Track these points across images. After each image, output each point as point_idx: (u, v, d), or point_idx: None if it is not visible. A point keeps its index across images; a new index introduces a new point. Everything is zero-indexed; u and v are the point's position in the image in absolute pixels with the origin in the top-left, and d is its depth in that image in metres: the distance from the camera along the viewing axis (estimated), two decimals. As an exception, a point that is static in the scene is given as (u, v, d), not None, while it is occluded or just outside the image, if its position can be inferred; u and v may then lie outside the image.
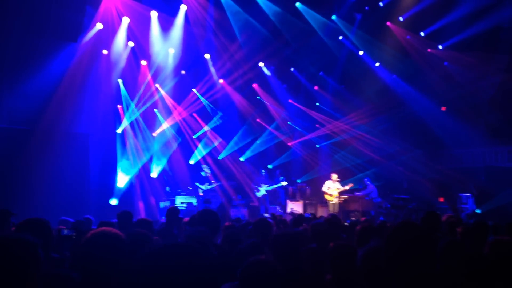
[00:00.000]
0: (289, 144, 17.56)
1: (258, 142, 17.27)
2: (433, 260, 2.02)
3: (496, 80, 13.89)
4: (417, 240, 1.99)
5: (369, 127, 16.36)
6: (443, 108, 15.69)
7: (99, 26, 12.87)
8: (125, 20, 13.39)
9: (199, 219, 4.25)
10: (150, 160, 15.13)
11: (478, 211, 11.36)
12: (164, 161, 15.24)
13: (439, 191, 14.53)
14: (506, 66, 13.53)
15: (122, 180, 13.91)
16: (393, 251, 2.00)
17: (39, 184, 10.84)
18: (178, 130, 16.08)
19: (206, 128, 16.42)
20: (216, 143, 16.37)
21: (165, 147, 15.52)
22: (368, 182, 14.49)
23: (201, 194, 13.89)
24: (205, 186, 13.97)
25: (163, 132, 15.71)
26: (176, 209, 6.09)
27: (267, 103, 17.22)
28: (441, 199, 14.13)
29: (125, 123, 14.74)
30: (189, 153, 16.18)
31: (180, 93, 15.85)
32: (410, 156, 15.93)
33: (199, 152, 16.07)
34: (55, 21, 11.36)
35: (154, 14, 13.60)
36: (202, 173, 14.18)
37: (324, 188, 13.95)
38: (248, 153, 16.93)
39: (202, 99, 16.16)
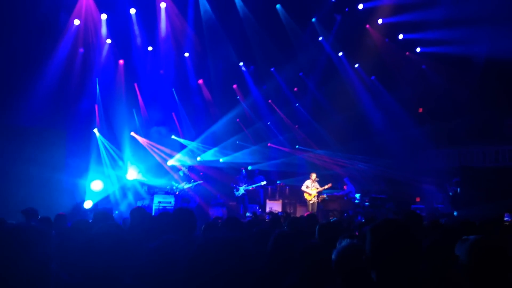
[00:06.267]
0: (269, 144, 17.54)
1: (237, 141, 17.16)
2: (418, 259, 1.95)
3: (473, 84, 14.07)
4: (400, 237, 1.88)
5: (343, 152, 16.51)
6: (420, 110, 15.92)
7: (76, 22, 12.67)
8: (104, 17, 13.18)
9: (175, 218, 4.18)
10: (126, 161, 14.86)
11: (455, 213, 11.47)
12: (140, 165, 14.96)
13: (416, 191, 14.71)
14: (479, 77, 13.79)
15: (96, 183, 13.61)
16: (376, 249, 1.90)
17: (12, 180, 10.74)
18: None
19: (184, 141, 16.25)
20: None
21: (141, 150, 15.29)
22: (348, 182, 14.60)
23: (177, 193, 13.70)
24: (183, 185, 13.78)
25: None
26: (142, 209, 5.50)
27: (245, 106, 17.16)
28: (418, 199, 14.32)
29: (101, 123, 14.51)
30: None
31: (157, 92, 15.67)
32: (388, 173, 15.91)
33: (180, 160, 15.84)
34: (31, 18, 11.13)
35: (133, 11, 13.43)
36: (180, 173, 14.00)
37: (303, 187, 13.99)
38: (228, 156, 16.74)
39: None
